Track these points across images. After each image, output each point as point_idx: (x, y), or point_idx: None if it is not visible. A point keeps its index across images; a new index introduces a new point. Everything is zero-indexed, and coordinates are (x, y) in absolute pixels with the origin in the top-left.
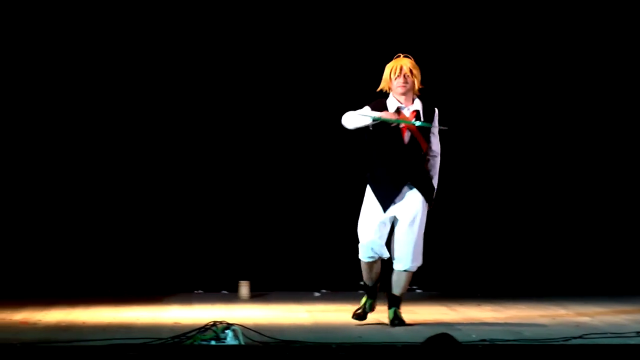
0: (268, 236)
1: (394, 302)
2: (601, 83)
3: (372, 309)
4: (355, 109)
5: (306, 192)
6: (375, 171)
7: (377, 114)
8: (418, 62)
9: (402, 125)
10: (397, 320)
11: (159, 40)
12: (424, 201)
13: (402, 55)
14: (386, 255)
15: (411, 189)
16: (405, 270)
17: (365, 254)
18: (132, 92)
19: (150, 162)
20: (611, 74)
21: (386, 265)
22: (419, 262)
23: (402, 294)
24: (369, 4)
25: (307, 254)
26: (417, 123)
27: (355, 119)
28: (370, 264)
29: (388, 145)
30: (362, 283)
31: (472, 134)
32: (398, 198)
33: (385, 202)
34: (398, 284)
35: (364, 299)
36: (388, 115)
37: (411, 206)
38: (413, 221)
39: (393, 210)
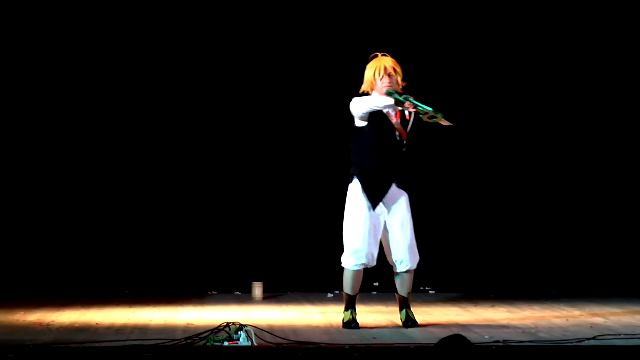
0: (281, 237)
1: (405, 304)
2: (601, 83)
3: (349, 318)
4: (341, 109)
5: (319, 193)
6: (366, 167)
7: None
8: (404, 60)
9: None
10: (410, 322)
11: (157, 41)
12: (408, 198)
13: (380, 55)
14: (374, 263)
15: (397, 187)
16: (408, 271)
17: (354, 263)
18: (138, 93)
19: (165, 164)
20: (611, 73)
21: (381, 268)
22: (417, 258)
23: (410, 294)
24: (355, 4)
25: (320, 255)
26: (426, 108)
27: (375, 101)
28: (357, 273)
29: (382, 140)
30: (342, 293)
31: (482, 134)
32: (387, 197)
33: (375, 199)
34: (404, 285)
35: (347, 314)
36: (407, 104)
37: (400, 206)
38: (405, 221)
39: (382, 210)
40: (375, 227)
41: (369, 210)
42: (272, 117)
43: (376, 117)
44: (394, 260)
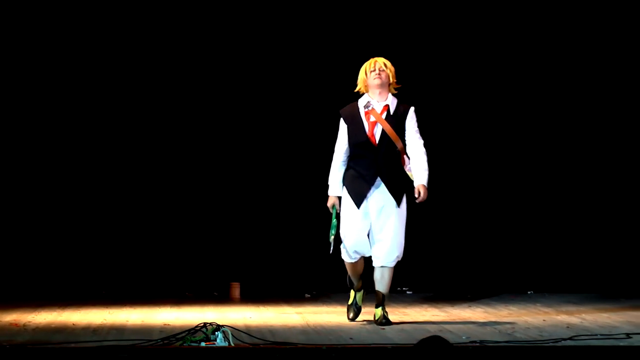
0: (259, 238)
1: (380, 301)
2: (601, 83)
3: (362, 300)
4: (334, 108)
5: (296, 193)
6: (348, 170)
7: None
8: (403, 60)
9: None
10: (384, 320)
11: (147, 45)
12: (395, 198)
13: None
14: (369, 253)
15: (383, 186)
16: (384, 266)
17: (349, 256)
18: (118, 97)
19: (142, 165)
20: (611, 73)
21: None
22: (398, 256)
23: (387, 291)
24: (350, 6)
25: (297, 255)
26: (332, 231)
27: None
28: (354, 263)
29: (359, 146)
30: (348, 281)
31: (462, 133)
32: (370, 195)
33: (358, 198)
34: (382, 282)
35: (352, 294)
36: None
37: (384, 203)
38: (387, 217)
39: (367, 207)
40: (363, 222)
41: (355, 208)
42: (250, 120)
43: (353, 123)
44: (373, 254)
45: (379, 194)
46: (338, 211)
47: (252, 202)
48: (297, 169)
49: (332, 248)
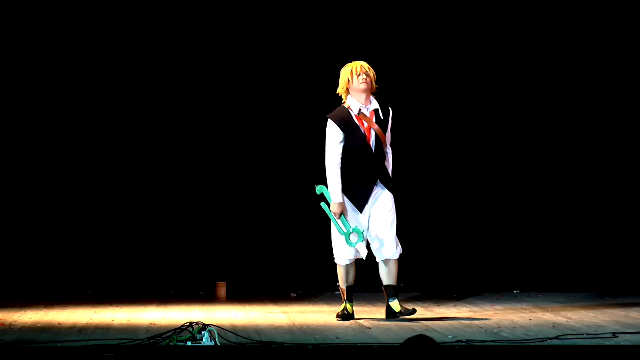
0: (245, 237)
1: (395, 293)
2: (601, 82)
3: (352, 310)
4: (322, 112)
5: (282, 193)
6: (346, 176)
7: (334, 217)
8: (390, 64)
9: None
10: (403, 310)
11: (133, 47)
12: (392, 195)
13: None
14: (365, 254)
15: (380, 186)
16: (390, 259)
17: (345, 258)
18: (94, 99)
19: (129, 165)
20: (611, 73)
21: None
22: (400, 250)
23: (396, 282)
24: (330, 10)
25: (283, 255)
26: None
27: (329, 183)
28: (347, 267)
29: (357, 152)
30: (338, 286)
31: (445, 133)
32: (371, 197)
33: (360, 203)
34: (390, 275)
35: (344, 304)
36: (334, 211)
37: (384, 201)
38: (389, 214)
39: (367, 209)
40: (360, 224)
41: (354, 211)
42: (234, 121)
43: (348, 131)
44: (380, 250)
45: (377, 194)
46: (346, 217)
47: (239, 202)
48: (282, 169)
49: (360, 249)
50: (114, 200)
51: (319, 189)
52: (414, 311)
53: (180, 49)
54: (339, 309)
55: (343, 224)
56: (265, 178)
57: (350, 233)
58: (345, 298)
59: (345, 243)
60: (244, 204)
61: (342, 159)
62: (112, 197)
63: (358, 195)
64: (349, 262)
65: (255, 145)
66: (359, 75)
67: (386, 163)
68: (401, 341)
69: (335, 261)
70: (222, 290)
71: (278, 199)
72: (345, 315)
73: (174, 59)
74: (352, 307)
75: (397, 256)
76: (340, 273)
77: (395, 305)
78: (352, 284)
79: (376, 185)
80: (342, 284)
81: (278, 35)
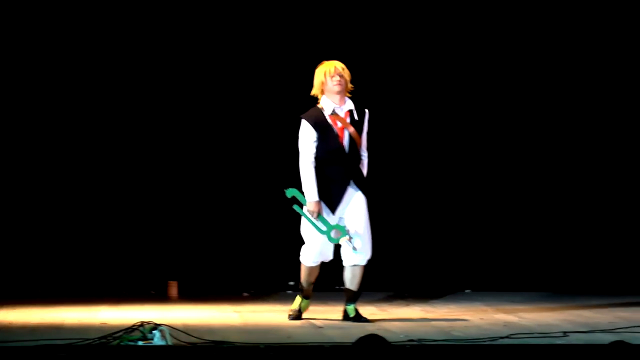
0: (197, 236)
1: (354, 298)
2: (600, 82)
3: (306, 309)
4: (288, 112)
5: (234, 193)
6: (319, 176)
7: (307, 212)
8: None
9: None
10: (359, 316)
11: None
12: (365, 198)
13: (325, 62)
14: (331, 257)
15: (353, 187)
16: (356, 265)
17: (312, 259)
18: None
19: (78, 162)
20: (611, 73)
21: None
22: (370, 255)
23: (358, 288)
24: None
25: (235, 254)
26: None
27: (304, 182)
28: (313, 268)
29: (330, 153)
30: (299, 285)
31: (408, 134)
32: (344, 198)
33: (333, 203)
34: (354, 280)
35: (298, 300)
36: (311, 210)
37: (357, 204)
38: (362, 217)
39: (340, 210)
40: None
41: (325, 212)
42: (186, 118)
43: (322, 131)
44: (348, 254)
45: (350, 196)
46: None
47: (191, 201)
48: (234, 168)
49: (350, 241)
50: (65, 199)
51: (289, 192)
52: (368, 320)
53: (148, 49)
54: (290, 308)
55: (322, 222)
56: (216, 178)
57: (331, 230)
58: (303, 295)
59: (328, 241)
60: (196, 203)
61: (316, 159)
62: (63, 195)
63: (329, 197)
64: (314, 264)
65: (208, 144)
66: (333, 76)
67: (360, 165)
68: (353, 340)
69: (301, 260)
70: (173, 290)
71: (230, 199)
72: (296, 316)
73: (141, 58)
74: (306, 306)
75: (365, 262)
76: (304, 272)
77: (351, 309)
78: (313, 283)
79: (349, 186)
80: (303, 281)
81: (251, 35)
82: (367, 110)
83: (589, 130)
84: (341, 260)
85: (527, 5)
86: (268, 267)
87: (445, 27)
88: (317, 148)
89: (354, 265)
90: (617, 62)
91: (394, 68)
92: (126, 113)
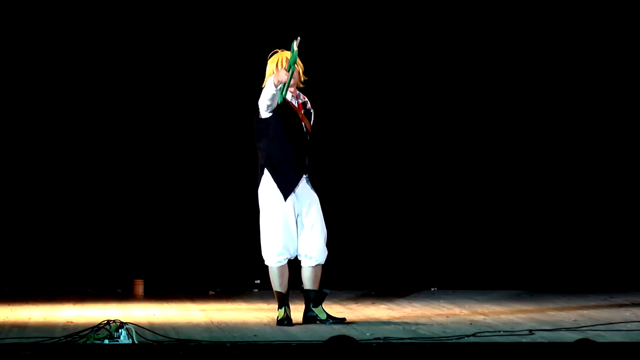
0: (162, 235)
1: (320, 299)
2: (600, 81)
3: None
4: (244, 108)
5: (200, 191)
6: (276, 158)
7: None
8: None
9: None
10: (330, 317)
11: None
12: (317, 197)
13: (280, 51)
14: (295, 253)
15: (306, 180)
16: (318, 265)
17: (275, 259)
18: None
19: (43, 163)
20: (611, 73)
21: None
22: (326, 252)
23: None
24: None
25: (201, 252)
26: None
27: (266, 94)
28: (281, 269)
29: (290, 132)
30: (275, 295)
31: (366, 132)
32: (298, 189)
33: (287, 189)
34: (316, 280)
35: (280, 311)
36: (278, 77)
37: (311, 200)
38: (316, 214)
39: (293, 201)
40: (289, 218)
41: (282, 201)
42: (151, 116)
43: (282, 109)
44: (305, 253)
45: (304, 190)
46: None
47: (156, 199)
48: (199, 166)
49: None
50: (29, 197)
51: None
52: (343, 320)
53: (135, 51)
54: (256, 306)
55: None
56: (181, 175)
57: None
58: (280, 304)
59: (289, 231)
60: (162, 201)
61: (272, 140)
62: (28, 193)
63: (285, 179)
64: (280, 264)
65: (172, 142)
66: (284, 68)
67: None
68: (319, 339)
69: (266, 262)
70: (139, 288)
71: (195, 196)
72: (283, 321)
73: (126, 59)
74: (289, 313)
75: (323, 261)
76: (272, 276)
77: (320, 312)
78: (287, 286)
79: (304, 179)
80: (275, 287)
81: (196, 29)
82: (312, 111)
83: (564, 127)
84: (299, 261)
85: (527, 5)
86: (234, 266)
87: (445, 27)
88: (278, 120)
89: (316, 265)
90: (617, 62)
91: (373, 63)
92: (97, 114)
